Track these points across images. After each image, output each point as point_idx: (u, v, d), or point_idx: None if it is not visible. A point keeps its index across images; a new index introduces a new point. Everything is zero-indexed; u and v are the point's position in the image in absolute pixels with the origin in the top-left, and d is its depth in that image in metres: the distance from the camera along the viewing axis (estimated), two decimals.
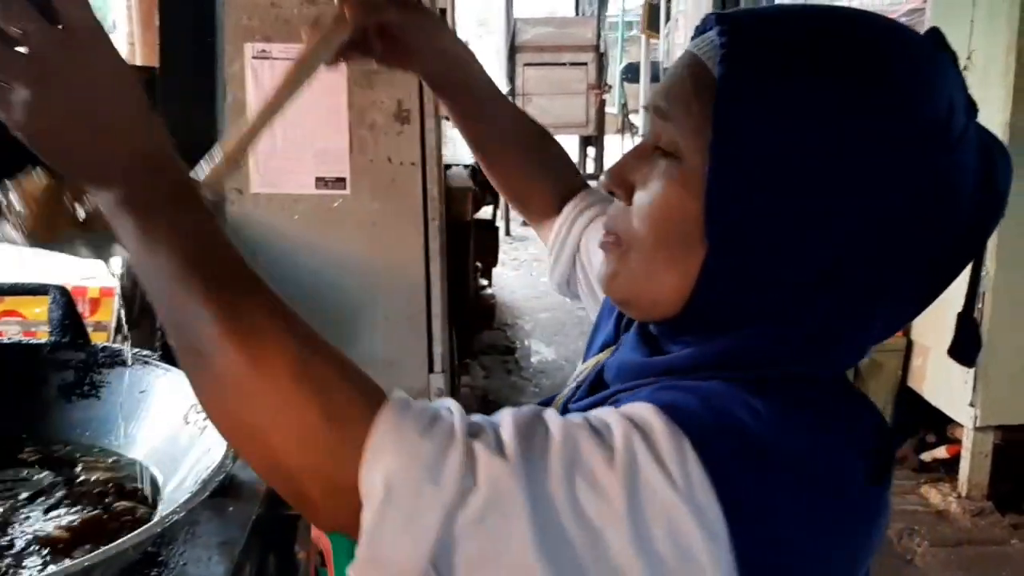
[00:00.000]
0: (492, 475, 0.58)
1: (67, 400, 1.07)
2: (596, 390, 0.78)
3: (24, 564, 0.82)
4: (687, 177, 0.68)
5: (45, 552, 0.83)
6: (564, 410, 0.79)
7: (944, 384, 3.45)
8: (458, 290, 3.41)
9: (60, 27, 0.60)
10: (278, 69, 2.34)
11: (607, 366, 0.79)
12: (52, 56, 0.60)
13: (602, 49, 8.79)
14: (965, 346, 0.73)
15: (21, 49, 0.60)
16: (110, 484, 0.96)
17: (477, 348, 4.98)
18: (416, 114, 2.32)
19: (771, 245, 0.66)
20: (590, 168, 9.16)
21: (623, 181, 0.73)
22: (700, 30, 0.72)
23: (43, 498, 0.94)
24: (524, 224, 7.39)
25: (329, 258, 2.32)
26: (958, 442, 3.49)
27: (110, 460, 1.01)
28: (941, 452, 3.60)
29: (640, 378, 0.71)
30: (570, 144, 8.68)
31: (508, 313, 5.93)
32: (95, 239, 0.78)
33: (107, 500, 0.93)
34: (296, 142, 2.33)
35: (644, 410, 0.62)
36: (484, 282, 5.36)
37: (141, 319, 2.37)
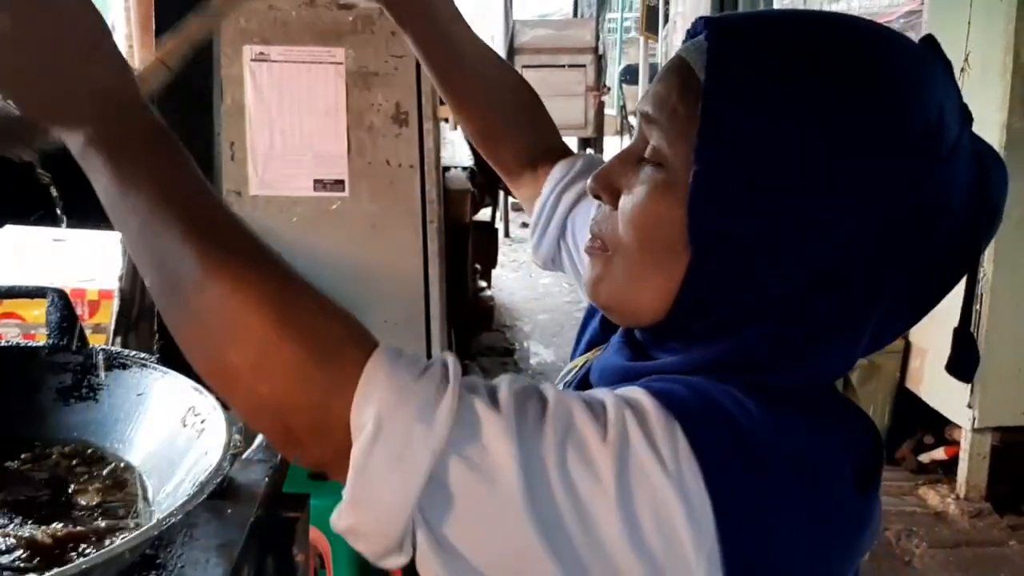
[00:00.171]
0: (485, 426, 0.58)
1: (65, 403, 1.07)
2: (583, 390, 0.78)
3: (11, 567, 0.82)
4: (672, 184, 0.68)
5: (29, 556, 0.83)
6: None
7: (942, 386, 3.46)
8: (457, 292, 3.41)
9: None
10: (276, 72, 2.35)
11: (593, 368, 0.79)
12: None
13: (601, 51, 8.80)
14: (962, 362, 0.73)
15: None
16: (107, 485, 0.96)
17: (476, 350, 4.99)
18: (414, 116, 2.32)
19: (755, 254, 0.65)
20: None
21: (609, 186, 0.73)
22: (691, 33, 0.72)
23: (37, 501, 0.94)
24: (524, 226, 7.39)
25: (327, 260, 2.32)
26: (956, 444, 3.50)
27: (107, 462, 1.01)
28: (939, 454, 3.60)
29: (624, 382, 0.70)
30: (568, 145, 8.67)
31: (507, 315, 5.93)
32: None
33: (102, 503, 0.93)
34: (294, 144, 2.34)
35: (638, 394, 0.62)
36: (483, 284, 5.36)
37: (139, 322, 2.36)
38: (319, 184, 2.36)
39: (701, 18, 0.71)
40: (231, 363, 0.59)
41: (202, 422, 0.93)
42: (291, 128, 2.34)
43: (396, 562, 0.59)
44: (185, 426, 0.95)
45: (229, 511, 0.89)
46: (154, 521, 0.77)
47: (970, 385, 3.27)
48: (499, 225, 6.18)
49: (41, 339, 1.16)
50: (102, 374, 1.06)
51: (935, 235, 0.67)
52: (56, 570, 0.69)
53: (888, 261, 0.66)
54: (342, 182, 2.35)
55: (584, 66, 8.50)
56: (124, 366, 1.06)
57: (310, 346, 0.59)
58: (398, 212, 2.36)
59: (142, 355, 1.06)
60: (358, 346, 0.60)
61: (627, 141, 9.70)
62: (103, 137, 0.62)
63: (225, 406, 0.92)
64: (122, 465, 1.00)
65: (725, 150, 0.64)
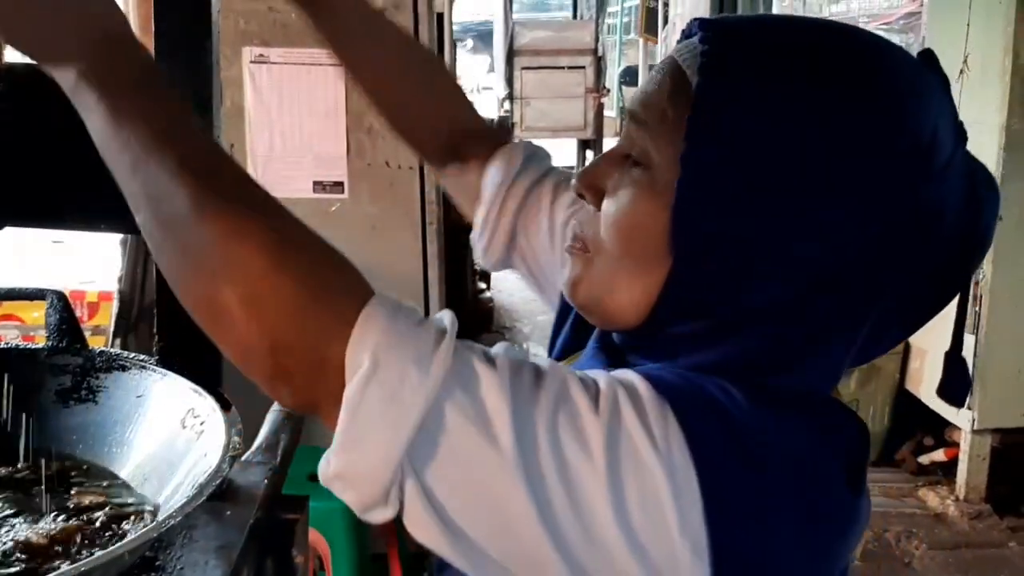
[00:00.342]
0: (481, 379, 0.58)
1: (64, 405, 1.07)
2: None
3: (7, 569, 0.82)
4: (656, 188, 0.67)
5: (25, 558, 0.83)
6: None
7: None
8: (456, 293, 3.41)
9: None
10: (276, 73, 2.35)
11: None
12: None
13: (600, 52, 8.80)
14: (954, 386, 0.73)
15: None
16: (105, 486, 0.96)
17: None
18: None
19: (737, 263, 0.64)
20: None
21: (593, 187, 0.72)
22: (685, 35, 0.71)
23: (35, 502, 0.94)
24: None
25: None
26: (956, 445, 3.50)
27: (106, 464, 1.01)
28: (939, 455, 3.60)
29: None
30: (568, 147, 8.69)
31: (506, 316, 5.93)
32: None
33: (101, 504, 0.93)
34: (294, 146, 2.34)
35: (631, 375, 0.62)
36: (482, 285, 5.37)
37: (139, 324, 2.36)
38: (319, 186, 2.36)
39: (696, 19, 0.70)
40: (224, 298, 0.58)
41: (201, 424, 0.93)
42: (291, 130, 2.34)
43: (382, 515, 0.58)
44: (184, 428, 0.95)
45: (228, 513, 0.88)
46: (153, 523, 0.77)
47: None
48: None
49: (40, 341, 1.16)
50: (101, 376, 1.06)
51: (932, 240, 0.66)
52: (55, 573, 0.69)
53: (881, 277, 0.66)
54: (341, 184, 2.35)
55: (584, 68, 8.50)
56: (123, 368, 1.06)
57: (309, 283, 0.58)
58: (398, 214, 2.36)
59: (141, 357, 1.06)
60: (357, 289, 0.60)
61: None
62: (95, 72, 0.62)
63: (225, 407, 0.92)
64: (122, 465, 1.00)
65: (725, 151, 0.64)
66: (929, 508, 3.41)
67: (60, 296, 1.14)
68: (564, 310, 0.90)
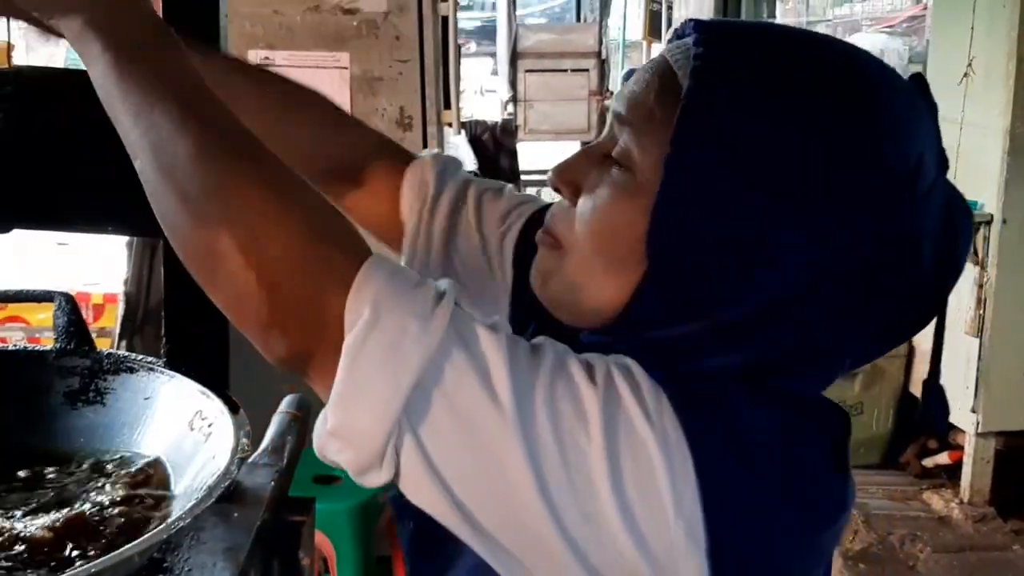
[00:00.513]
0: (481, 338, 0.58)
1: (72, 407, 1.07)
2: None
3: (11, 564, 0.82)
4: (636, 191, 0.66)
5: (29, 553, 0.83)
6: None
7: (946, 389, 3.45)
8: None
9: None
10: None
11: None
12: None
13: (604, 55, 8.80)
14: (933, 413, 0.73)
15: None
16: (113, 487, 0.96)
17: None
18: (418, 121, 2.33)
19: (724, 265, 0.64)
20: None
21: (570, 182, 0.71)
22: (678, 35, 0.69)
23: (41, 502, 0.94)
24: None
25: None
26: (960, 448, 3.49)
27: (111, 466, 1.01)
28: (943, 458, 3.60)
29: None
30: (571, 150, 8.68)
31: None
32: None
33: (107, 505, 0.94)
34: None
35: (624, 359, 0.63)
36: None
37: (144, 325, 2.37)
38: None
39: (690, 20, 0.68)
40: (222, 244, 0.57)
41: (209, 426, 0.93)
42: None
43: (377, 479, 0.58)
44: (192, 430, 0.95)
45: (236, 515, 0.89)
46: (162, 525, 0.77)
47: (974, 390, 3.27)
48: None
49: (46, 343, 1.16)
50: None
51: (910, 263, 0.66)
52: (66, 573, 0.69)
53: (858, 294, 0.66)
54: None
55: (587, 70, 8.50)
56: (131, 370, 1.06)
57: (310, 233, 0.58)
58: None
59: (149, 359, 1.07)
60: (357, 244, 0.60)
61: None
62: (100, 21, 0.62)
63: (233, 409, 0.92)
64: (129, 467, 1.00)
65: (722, 153, 0.63)
66: (933, 511, 3.41)
67: (68, 298, 1.14)
68: (524, 319, 0.85)
